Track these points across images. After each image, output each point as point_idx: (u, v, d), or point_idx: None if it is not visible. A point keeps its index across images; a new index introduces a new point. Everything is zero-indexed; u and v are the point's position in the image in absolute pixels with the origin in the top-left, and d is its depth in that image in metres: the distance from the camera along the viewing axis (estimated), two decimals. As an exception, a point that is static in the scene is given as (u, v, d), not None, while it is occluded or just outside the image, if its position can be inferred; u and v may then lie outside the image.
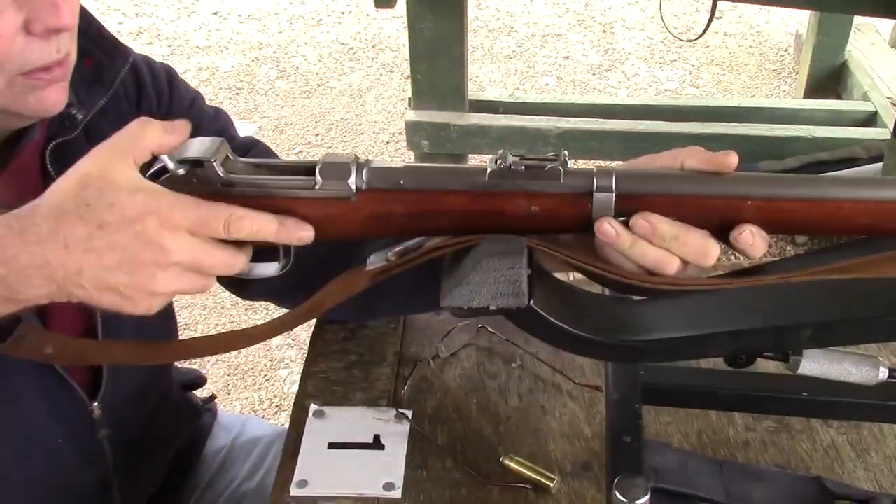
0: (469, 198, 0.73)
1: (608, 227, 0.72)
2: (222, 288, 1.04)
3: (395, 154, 3.49)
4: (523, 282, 0.71)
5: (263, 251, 0.78)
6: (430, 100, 2.99)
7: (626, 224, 0.72)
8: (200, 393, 1.34)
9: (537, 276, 0.75)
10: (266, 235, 0.72)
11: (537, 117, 3.01)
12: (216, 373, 2.59)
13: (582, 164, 3.34)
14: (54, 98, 0.85)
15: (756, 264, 0.79)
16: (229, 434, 1.32)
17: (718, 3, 2.41)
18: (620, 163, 0.82)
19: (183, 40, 4.34)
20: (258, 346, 2.68)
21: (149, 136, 0.71)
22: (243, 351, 2.68)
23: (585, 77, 3.99)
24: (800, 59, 3.65)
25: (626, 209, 0.72)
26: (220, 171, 0.72)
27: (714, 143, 2.89)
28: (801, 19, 3.80)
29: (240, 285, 1.08)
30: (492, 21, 4.44)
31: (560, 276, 0.85)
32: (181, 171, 0.72)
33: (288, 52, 4.23)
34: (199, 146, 0.74)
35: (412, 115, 3.02)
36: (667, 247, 0.72)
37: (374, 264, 0.78)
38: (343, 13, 4.55)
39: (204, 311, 2.78)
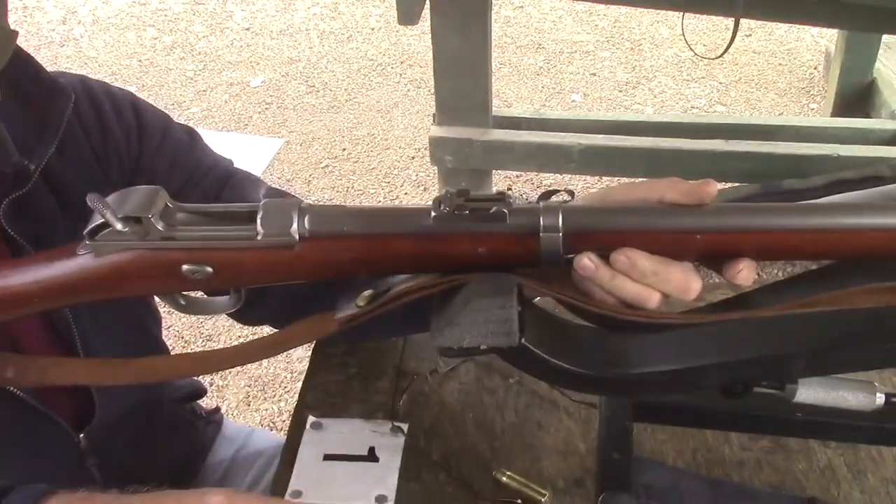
0: (414, 241, 0.72)
1: (587, 262, 0.71)
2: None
3: (421, 169, 3.51)
4: (514, 320, 0.69)
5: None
6: (454, 116, 3.00)
7: (606, 259, 0.71)
8: (205, 404, 1.34)
9: (528, 311, 0.72)
10: None
11: (560, 134, 3.00)
12: (237, 384, 2.62)
13: (606, 181, 3.34)
14: None
15: (736, 295, 0.77)
16: (232, 446, 1.32)
17: (744, 20, 2.40)
18: (615, 183, 0.80)
19: (215, 55, 4.40)
20: (278, 357, 2.70)
21: None
22: (264, 363, 2.70)
23: (612, 94, 3.99)
24: (828, 77, 3.62)
25: (574, 247, 0.71)
26: (159, 226, 0.72)
27: (738, 161, 2.87)
28: (832, 37, 3.76)
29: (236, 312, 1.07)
30: (520, 37, 4.45)
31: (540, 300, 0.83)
32: (122, 227, 0.72)
33: (317, 68, 4.28)
34: (135, 200, 0.72)
35: (436, 131, 3.03)
36: (647, 282, 0.71)
37: (343, 311, 0.77)
38: (373, 29, 4.58)
39: (227, 322, 2.81)
